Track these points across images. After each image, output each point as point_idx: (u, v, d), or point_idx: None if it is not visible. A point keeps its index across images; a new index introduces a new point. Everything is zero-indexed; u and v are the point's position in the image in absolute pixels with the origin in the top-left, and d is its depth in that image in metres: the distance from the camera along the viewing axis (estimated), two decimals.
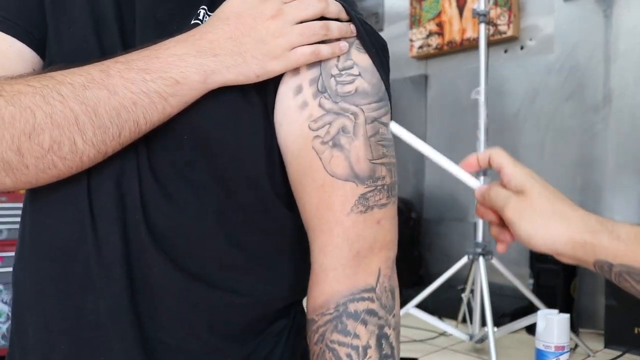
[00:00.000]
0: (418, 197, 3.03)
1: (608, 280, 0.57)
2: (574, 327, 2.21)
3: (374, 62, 0.61)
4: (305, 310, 0.63)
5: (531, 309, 2.12)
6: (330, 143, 0.58)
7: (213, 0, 0.62)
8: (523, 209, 0.54)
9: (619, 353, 2.01)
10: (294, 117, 0.59)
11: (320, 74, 0.59)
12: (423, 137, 3.02)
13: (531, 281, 2.37)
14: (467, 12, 2.82)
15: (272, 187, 0.61)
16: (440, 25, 2.94)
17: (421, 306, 2.15)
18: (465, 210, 2.79)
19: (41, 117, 0.51)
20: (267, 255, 0.63)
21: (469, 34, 2.82)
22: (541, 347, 0.76)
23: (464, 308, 2.32)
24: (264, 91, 0.59)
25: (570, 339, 0.98)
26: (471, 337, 2.07)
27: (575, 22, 2.48)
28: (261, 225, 0.62)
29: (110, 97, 0.53)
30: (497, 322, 2.06)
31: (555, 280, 2.26)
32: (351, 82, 0.59)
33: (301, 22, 0.58)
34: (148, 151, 0.58)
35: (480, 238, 2.08)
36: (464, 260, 2.10)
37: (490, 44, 2.45)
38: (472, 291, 2.14)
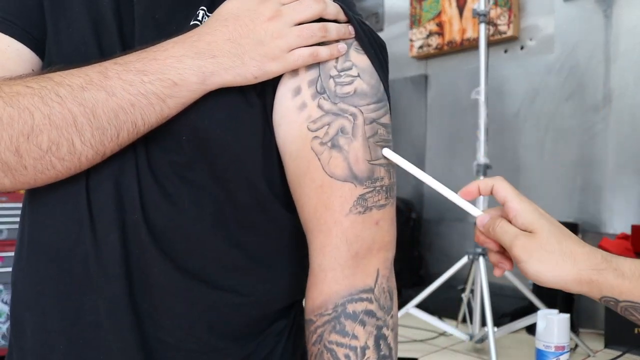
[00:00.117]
0: (418, 197, 3.03)
1: None
2: (574, 327, 2.21)
3: (372, 63, 0.61)
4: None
5: (531, 309, 2.12)
6: (329, 144, 0.58)
7: (212, 1, 0.62)
8: (532, 249, 0.55)
9: (619, 353, 2.01)
10: (293, 118, 0.59)
11: (319, 75, 0.59)
12: (423, 137, 3.02)
13: (531, 281, 2.37)
14: (467, 12, 2.82)
15: (270, 188, 0.61)
16: (440, 25, 2.94)
17: (421, 306, 2.15)
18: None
19: (39, 118, 0.51)
20: (267, 255, 0.63)
21: (469, 34, 2.82)
22: (541, 347, 0.76)
23: (464, 308, 2.32)
24: (263, 92, 0.59)
25: (571, 339, 0.98)
26: (471, 337, 2.08)
27: (575, 22, 2.48)
28: (261, 225, 0.62)
29: (109, 98, 0.53)
30: (497, 322, 2.07)
31: None
32: (350, 83, 0.59)
33: (299, 24, 0.58)
34: (147, 152, 0.58)
35: None
36: (464, 260, 2.11)
37: (490, 44, 2.45)
38: (472, 291, 2.14)
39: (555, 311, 0.80)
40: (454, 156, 2.88)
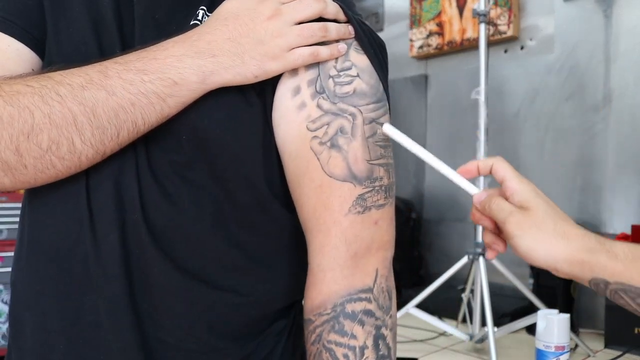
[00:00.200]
0: (418, 197, 3.03)
1: None
2: (574, 327, 2.21)
3: (372, 62, 0.61)
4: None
5: (531, 309, 2.12)
6: (328, 144, 0.58)
7: (212, 1, 0.62)
8: (526, 226, 0.55)
9: (619, 353, 2.01)
10: (292, 118, 0.59)
11: (319, 74, 0.59)
12: (423, 137, 3.02)
13: (531, 281, 2.37)
14: (467, 12, 2.82)
15: (270, 188, 0.61)
16: (440, 25, 2.94)
17: (421, 306, 2.15)
18: (465, 211, 2.78)
19: (40, 118, 0.51)
20: (267, 255, 0.64)
21: (469, 34, 2.82)
22: (541, 347, 0.76)
23: (464, 308, 2.32)
24: (263, 92, 0.59)
25: (571, 339, 0.98)
26: (471, 337, 2.08)
27: (575, 22, 2.48)
28: (260, 225, 0.62)
29: (109, 97, 0.53)
30: (497, 322, 2.06)
31: (555, 280, 2.25)
32: (349, 83, 0.59)
33: (299, 23, 0.58)
34: (147, 151, 0.58)
35: (480, 238, 2.08)
36: (464, 260, 2.11)
37: (490, 44, 2.45)
38: (472, 291, 2.14)
39: (555, 311, 0.80)
40: (454, 156, 2.88)
